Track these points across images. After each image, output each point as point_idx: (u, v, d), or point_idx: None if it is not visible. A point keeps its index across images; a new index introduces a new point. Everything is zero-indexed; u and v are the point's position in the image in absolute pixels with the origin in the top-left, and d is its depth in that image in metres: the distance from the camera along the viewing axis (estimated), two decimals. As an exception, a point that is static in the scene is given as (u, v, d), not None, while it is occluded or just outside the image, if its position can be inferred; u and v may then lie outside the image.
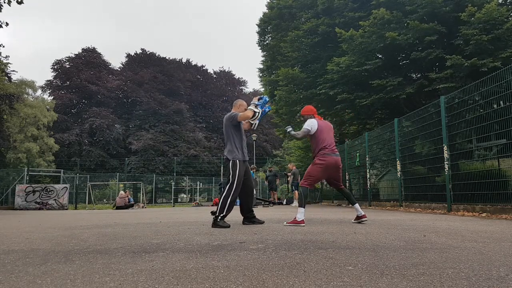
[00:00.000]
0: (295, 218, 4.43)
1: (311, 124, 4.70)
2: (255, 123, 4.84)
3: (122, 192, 17.42)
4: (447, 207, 6.93)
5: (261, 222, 4.75)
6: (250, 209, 4.79)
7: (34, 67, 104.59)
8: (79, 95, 33.22)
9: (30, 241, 3.45)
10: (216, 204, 17.60)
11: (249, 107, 4.62)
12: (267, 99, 4.81)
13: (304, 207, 4.46)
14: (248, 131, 5.07)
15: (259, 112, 4.60)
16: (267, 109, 4.82)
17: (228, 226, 4.31)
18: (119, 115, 34.16)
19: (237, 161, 4.51)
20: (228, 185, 4.47)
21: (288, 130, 4.92)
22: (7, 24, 12.22)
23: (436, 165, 7.57)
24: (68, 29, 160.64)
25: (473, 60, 8.91)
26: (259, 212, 8.05)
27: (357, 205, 4.71)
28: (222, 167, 23.04)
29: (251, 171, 15.69)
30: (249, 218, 4.76)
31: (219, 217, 4.38)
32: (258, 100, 4.68)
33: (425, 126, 8.04)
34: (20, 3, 11.27)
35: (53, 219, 7.57)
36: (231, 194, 4.43)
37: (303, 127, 4.77)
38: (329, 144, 4.64)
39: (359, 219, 4.68)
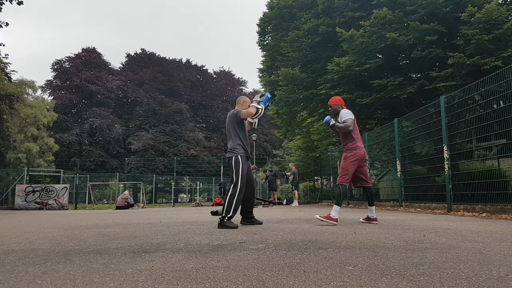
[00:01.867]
0: (329, 214, 4.42)
1: (351, 114, 4.61)
2: (255, 122, 4.77)
3: (125, 192, 17.43)
4: (447, 207, 6.93)
5: (260, 223, 4.65)
6: (250, 209, 4.68)
7: (29, 69, 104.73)
8: (79, 95, 33.22)
9: (30, 241, 3.45)
10: (217, 204, 17.44)
11: (251, 104, 4.57)
12: (269, 96, 4.73)
13: (340, 206, 4.44)
14: (249, 130, 5.02)
15: (262, 109, 4.53)
16: (266, 104, 4.72)
17: (236, 227, 4.16)
18: (119, 115, 34.18)
19: (239, 157, 4.39)
20: (233, 184, 4.31)
21: (332, 123, 4.63)
22: (7, 24, 12.24)
23: (436, 165, 7.57)
24: (66, 31, 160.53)
25: (475, 58, 8.89)
26: (259, 212, 8.06)
27: (373, 207, 4.70)
28: (222, 167, 23.03)
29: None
30: (247, 218, 4.64)
31: (226, 218, 4.23)
32: (260, 97, 4.62)
33: (425, 126, 8.04)
34: (20, 3, 11.28)
35: (53, 219, 7.57)
36: (237, 193, 4.28)
37: (343, 118, 4.59)
38: (359, 136, 4.66)
39: (369, 220, 4.68)
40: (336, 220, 4.38)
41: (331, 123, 4.67)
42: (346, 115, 4.60)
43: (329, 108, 4.89)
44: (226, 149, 4.64)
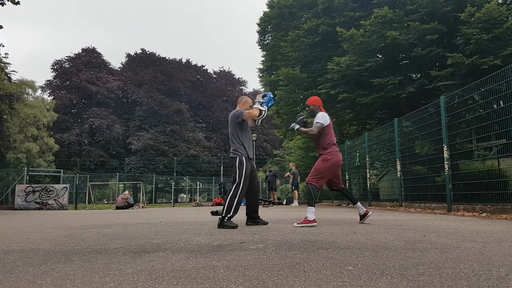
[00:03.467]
0: (306, 218, 4.33)
1: (325, 118, 4.48)
2: (258, 121, 4.70)
3: (126, 192, 17.44)
4: (447, 207, 6.92)
5: (265, 223, 4.64)
6: (255, 209, 4.67)
7: (29, 69, 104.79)
8: (79, 95, 33.21)
9: (30, 241, 3.45)
10: (217, 204, 17.42)
11: (254, 106, 4.51)
12: (272, 96, 4.64)
13: (314, 206, 4.33)
14: (251, 125, 4.93)
15: (265, 111, 4.47)
16: (271, 103, 4.61)
17: (236, 227, 4.18)
18: (119, 115, 34.16)
19: (243, 158, 4.37)
20: (235, 184, 4.32)
21: (296, 128, 4.57)
22: (1, 27, 12.22)
23: (436, 165, 7.57)
24: (66, 31, 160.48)
25: (473, 58, 8.90)
26: (259, 212, 8.03)
27: (358, 203, 4.65)
28: (222, 167, 23.03)
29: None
30: (253, 218, 4.64)
31: (226, 218, 4.24)
32: (263, 97, 4.55)
33: (425, 126, 8.04)
34: (16, 3, 11.25)
35: (53, 219, 7.57)
36: (238, 194, 4.28)
37: (316, 121, 4.48)
38: (335, 140, 4.55)
39: (363, 217, 4.64)
40: (314, 221, 4.27)
41: (295, 128, 4.58)
42: (320, 119, 4.47)
43: (307, 108, 4.76)
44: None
